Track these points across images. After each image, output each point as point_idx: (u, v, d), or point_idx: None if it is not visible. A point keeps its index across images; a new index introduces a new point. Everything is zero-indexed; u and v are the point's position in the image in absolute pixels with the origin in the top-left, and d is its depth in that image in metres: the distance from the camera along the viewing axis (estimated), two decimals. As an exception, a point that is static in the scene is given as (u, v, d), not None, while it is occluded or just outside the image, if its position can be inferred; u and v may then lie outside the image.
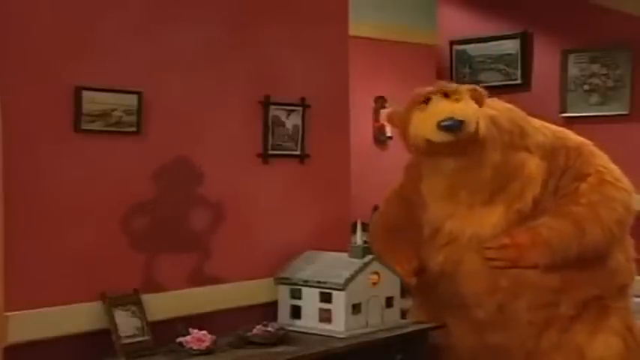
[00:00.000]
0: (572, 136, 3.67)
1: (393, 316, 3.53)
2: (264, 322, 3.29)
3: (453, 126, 3.30)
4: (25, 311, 2.81)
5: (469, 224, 3.47)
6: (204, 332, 3.07)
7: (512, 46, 5.78)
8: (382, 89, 5.65)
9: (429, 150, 3.42)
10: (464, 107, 3.37)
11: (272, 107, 3.58)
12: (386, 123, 5.23)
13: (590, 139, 3.69)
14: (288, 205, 3.66)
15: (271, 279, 3.53)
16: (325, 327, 3.36)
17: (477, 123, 3.35)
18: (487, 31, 5.89)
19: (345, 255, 3.50)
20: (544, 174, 3.50)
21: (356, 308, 3.38)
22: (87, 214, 2.99)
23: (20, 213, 2.82)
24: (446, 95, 3.42)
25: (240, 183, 3.48)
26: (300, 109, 3.69)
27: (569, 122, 5.00)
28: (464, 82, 4.07)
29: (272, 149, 3.58)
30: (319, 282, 3.40)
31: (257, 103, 3.54)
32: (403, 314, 3.65)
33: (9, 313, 2.78)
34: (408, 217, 3.69)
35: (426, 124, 3.37)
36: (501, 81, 5.70)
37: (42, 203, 2.88)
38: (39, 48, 2.88)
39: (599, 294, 3.51)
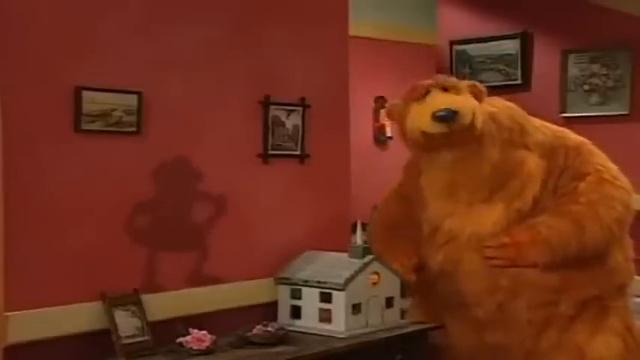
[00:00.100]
0: (571, 136, 3.67)
1: (393, 316, 3.53)
2: (264, 322, 3.29)
3: (447, 116, 3.30)
4: (25, 311, 2.81)
5: (468, 222, 3.47)
6: (204, 332, 3.07)
7: (512, 46, 5.78)
8: (382, 89, 5.65)
9: (426, 143, 3.42)
10: (461, 100, 3.38)
11: (272, 107, 3.58)
12: (386, 119, 5.24)
13: (590, 139, 3.69)
14: (288, 205, 3.66)
15: (271, 279, 3.53)
16: (325, 327, 3.36)
17: (474, 115, 3.35)
18: (487, 31, 5.89)
19: (345, 255, 3.50)
20: (543, 173, 3.50)
21: (356, 308, 3.38)
22: (87, 214, 2.99)
23: (20, 213, 2.82)
24: (444, 89, 3.43)
25: (240, 183, 3.48)
26: (300, 109, 3.69)
27: (569, 122, 4.99)
28: (464, 82, 4.07)
29: (272, 149, 3.58)
30: (319, 282, 3.40)
31: (257, 103, 3.54)
32: (403, 314, 3.64)
33: (9, 313, 2.78)
34: (407, 216, 3.69)
35: (422, 115, 3.37)
36: (501, 81, 5.70)
37: (42, 203, 2.88)
38: (39, 48, 2.88)
39: (599, 294, 3.51)
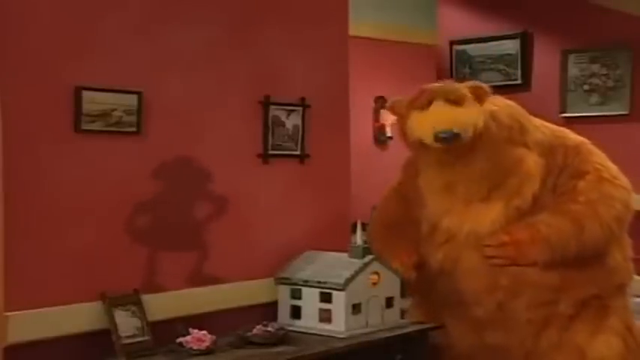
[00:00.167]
0: (571, 136, 3.68)
1: (393, 316, 3.53)
2: (264, 322, 3.30)
3: (449, 139, 3.31)
4: (25, 311, 2.81)
5: (467, 221, 3.47)
6: (204, 332, 3.07)
7: (512, 46, 5.78)
8: (382, 89, 5.65)
9: (426, 148, 3.43)
10: (462, 115, 3.35)
11: (272, 107, 3.58)
12: (386, 119, 5.26)
13: (590, 139, 3.69)
14: (288, 205, 3.66)
15: (271, 279, 3.53)
16: (325, 327, 3.36)
17: (475, 126, 3.34)
18: (487, 31, 5.90)
19: (345, 255, 3.50)
20: (543, 171, 3.50)
21: (356, 308, 3.38)
22: (87, 214, 2.99)
23: (20, 213, 2.82)
24: (448, 100, 3.41)
25: (240, 183, 3.48)
26: (300, 109, 3.69)
27: (569, 122, 4.99)
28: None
29: (272, 149, 3.58)
30: (319, 282, 3.40)
31: (257, 103, 3.54)
32: (403, 314, 3.64)
33: (9, 313, 2.78)
34: (406, 215, 3.69)
35: (423, 127, 3.37)
36: (501, 81, 5.69)
37: (42, 203, 2.88)
38: (39, 48, 2.88)
39: (598, 293, 3.51)
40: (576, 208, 3.44)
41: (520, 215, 3.46)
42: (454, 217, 3.50)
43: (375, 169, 5.22)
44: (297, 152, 3.69)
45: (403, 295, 3.63)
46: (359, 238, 3.54)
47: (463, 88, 3.44)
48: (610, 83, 5.43)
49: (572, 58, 5.57)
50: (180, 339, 3.04)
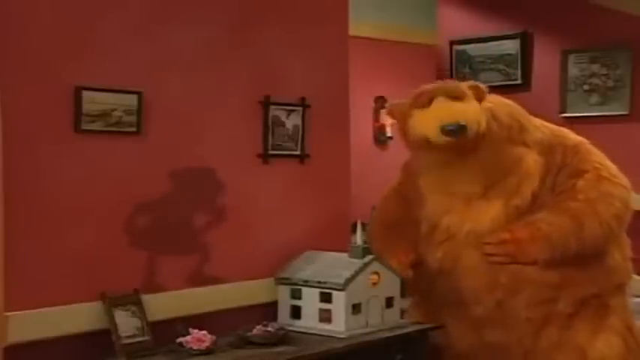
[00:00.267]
0: (569, 135, 3.69)
1: (393, 316, 3.53)
2: (264, 322, 3.29)
3: (456, 131, 3.31)
4: (25, 311, 2.81)
5: (467, 219, 3.48)
6: (204, 332, 3.07)
7: (512, 46, 5.79)
8: (382, 89, 5.65)
9: (428, 147, 3.43)
10: (466, 109, 3.38)
11: (272, 107, 3.58)
12: (386, 119, 5.24)
13: (590, 139, 3.70)
14: (288, 205, 3.66)
15: (271, 279, 3.53)
16: (325, 327, 3.36)
17: (479, 123, 3.36)
18: (487, 31, 5.90)
19: (345, 255, 3.50)
20: (542, 170, 3.51)
21: (356, 308, 3.38)
22: (87, 214, 2.99)
23: (20, 213, 2.82)
24: (449, 97, 3.43)
25: (240, 183, 3.48)
26: (300, 109, 3.69)
27: (569, 122, 4.99)
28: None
29: (272, 149, 3.58)
30: (319, 282, 3.40)
31: (257, 103, 3.54)
32: (403, 314, 3.65)
33: (9, 313, 2.78)
34: (405, 214, 3.70)
35: (428, 124, 3.38)
36: (501, 81, 5.70)
37: (42, 203, 2.88)
38: (39, 48, 2.88)
39: (598, 292, 3.52)
40: (576, 207, 3.45)
41: (520, 214, 3.46)
42: (454, 216, 3.50)
43: (375, 169, 5.22)
44: (297, 152, 3.69)
45: (403, 295, 3.63)
46: (359, 238, 3.54)
47: (462, 85, 3.46)
48: (610, 83, 5.43)
49: (572, 58, 5.58)
50: (180, 339, 3.04)
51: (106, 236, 3.04)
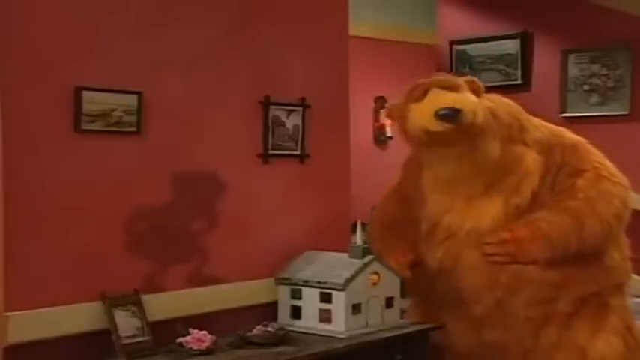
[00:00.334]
0: (568, 135, 3.70)
1: (393, 316, 3.53)
2: (264, 322, 3.30)
3: (450, 114, 3.30)
4: (25, 311, 2.81)
5: (467, 218, 3.48)
6: (204, 332, 3.07)
7: (512, 46, 5.78)
8: (382, 89, 5.65)
9: (429, 141, 3.43)
10: (461, 97, 3.39)
11: (272, 107, 3.58)
12: (386, 119, 5.25)
13: (590, 139, 3.70)
14: (288, 205, 3.66)
15: (271, 279, 3.53)
16: (325, 327, 3.36)
17: (475, 112, 3.36)
18: (487, 31, 5.89)
19: (345, 255, 3.50)
20: (541, 169, 3.52)
21: (356, 308, 3.38)
22: (87, 214, 2.99)
23: (20, 213, 2.82)
24: (444, 88, 3.44)
25: (241, 183, 3.48)
26: (300, 109, 3.69)
27: (569, 122, 4.99)
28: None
29: (272, 149, 3.58)
30: (319, 282, 3.40)
31: (257, 103, 3.54)
32: (403, 314, 3.64)
33: (9, 313, 2.78)
34: (405, 214, 3.70)
35: (423, 114, 3.38)
36: (501, 81, 5.69)
37: (42, 203, 2.88)
38: (39, 48, 2.88)
39: (597, 291, 3.52)
40: (575, 206, 3.46)
41: (519, 213, 3.47)
42: (455, 215, 3.51)
43: (375, 169, 5.22)
44: (297, 152, 3.69)
45: (403, 295, 3.63)
46: (359, 238, 3.54)
47: (458, 78, 3.47)
48: (610, 83, 5.43)
49: (572, 58, 5.57)
50: (180, 339, 3.04)
51: (106, 236, 3.04)
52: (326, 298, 3.37)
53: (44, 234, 2.89)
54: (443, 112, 3.30)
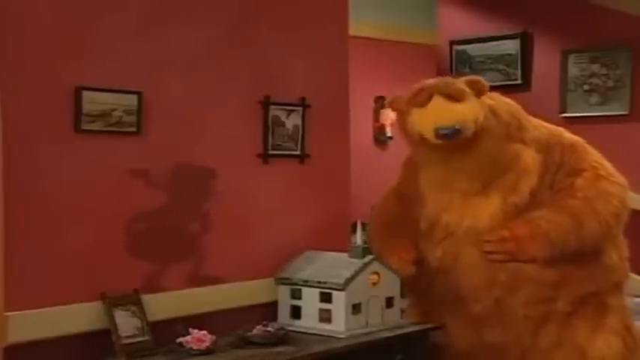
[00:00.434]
0: (566, 134, 3.71)
1: (393, 316, 3.53)
2: (264, 322, 3.30)
3: (451, 135, 3.32)
4: (25, 311, 2.81)
5: (466, 216, 3.49)
6: (204, 332, 3.07)
7: (512, 46, 5.78)
8: (382, 89, 5.65)
9: (427, 144, 3.44)
10: (463, 110, 3.37)
11: (272, 107, 3.58)
12: (387, 115, 5.26)
13: (590, 139, 3.71)
14: (288, 205, 3.66)
15: (271, 279, 3.53)
16: (325, 327, 3.36)
17: (476, 121, 3.36)
18: (487, 31, 5.89)
19: (345, 255, 3.50)
20: (540, 167, 3.52)
21: (356, 308, 3.38)
22: (87, 214, 2.99)
23: (20, 213, 2.82)
24: (447, 96, 3.43)
25: (240, 183, 3.48)
26: (300, 109, 3.69)
27: (569, 122, 5.00)
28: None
29: (272, 149, 3.58)
30: (319, 282, 3.40)
31: (257, 103, 3.54)
32: (403, 314, 3.65)
33: (9, 313, 2.78)
34: (405, 214, 3.70)
35: (424, 123, 3.38)
36: (501, 81, 5.69)
37: (42, 203, 2.88)
38: (39, 48, 2.88)
39: (596, 290, 3.53)
40: (574, 204, 3.46)
41: (518, 211, 3.47)
42: (453, 213, 3.51)
43: (375, 169, 5.22)
44: (297, 152, 3.69)
45: (403, 295, 3.63)
46: (359, 238, 3.54)
47: (461, 82, 3.47)
48: (610, 83, 5.43)
49: (572, 58, 5.57)
50: (180, 339, 3.04)
51: (106, 236, 3.04)
52: (326, 298, 3.37)
53: (44, 234, 2.89)
54: (443, 132, 3.32)
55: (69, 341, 2.91)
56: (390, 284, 3.53)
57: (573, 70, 5.57)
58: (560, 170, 3.56)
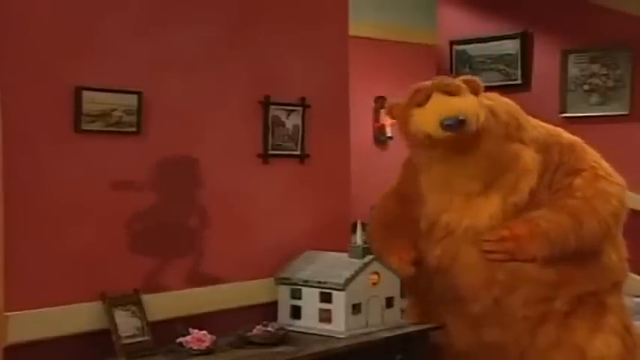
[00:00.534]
0: (565, 134, 3.72)
1: (393, 316, 3.53)
2: (264, 322, 3.30)
3: (455, 126, 3.32)
4: (25, 311, 2.81)
5: (465, 216, 3.49)
6: (204, 332, 3.07)
7: (512, 46, 5.79)
8: (382, 89, 5.66)
9: (430, 144, 3.44)
10: (464, 103, 3.39)
11: (272, 107, 3.58)
12: (386, 118, 5.25)
13: (590, 139, 3.71)
14: (288, 204, 3.66)
15: (271, 279, 3.53)
16: (325, 327, 3.36)
17: (478, 116, 3.37)
18: (487, 31, 5.90)
19: (345, 255, 3.50)
20: (539, 167, 3.53)
21: (356, 308, 3.38)
22: (87, 214, 2.99)
23: (20, 213, 2.82)
24: (446, 92, 3.44)
25: (240, 183, 3.48)
26: (300, 109, 3.69)
27: (569, 122, 5.00)
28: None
29: (272, 149, 3.58)
30: (319, 282, 3.40)
31: (257, 103, 3.54)
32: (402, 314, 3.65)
33: (9, 313, 2.78)
34: (404, 214, 3.70)
35: (427, 119, 3.39)
36: (501, 81, 5.69)
37: (42, 203, 2.88)
38: (39, 48, 2.88)
39: (595, 289, 3.53)
40: (574, 204, 3.47)
41: (517, 210, 3.48)
42: (453, 213, 3.51)
43: (375, 169, 5.22)
44: (297, 152, 3.70)
45: (403, 295, 3.63)
46: (359, 238, 3.54)
47: (457, 80, 3.48)
48: (610, 83, 5.43)
49: (572, 58, 5.58)
50: (180, 339, 3.04)
51: (106, 236, 3.04)
52: (326, 298, 3.37)
53: (44, 234, 2.89)
54: (448, 122, 3.32)
55: (69, 341, 2.91)
56: (390, 284, 3.53)
57: (573, 70, 5.57)
58: (558, 170, 3.56)
